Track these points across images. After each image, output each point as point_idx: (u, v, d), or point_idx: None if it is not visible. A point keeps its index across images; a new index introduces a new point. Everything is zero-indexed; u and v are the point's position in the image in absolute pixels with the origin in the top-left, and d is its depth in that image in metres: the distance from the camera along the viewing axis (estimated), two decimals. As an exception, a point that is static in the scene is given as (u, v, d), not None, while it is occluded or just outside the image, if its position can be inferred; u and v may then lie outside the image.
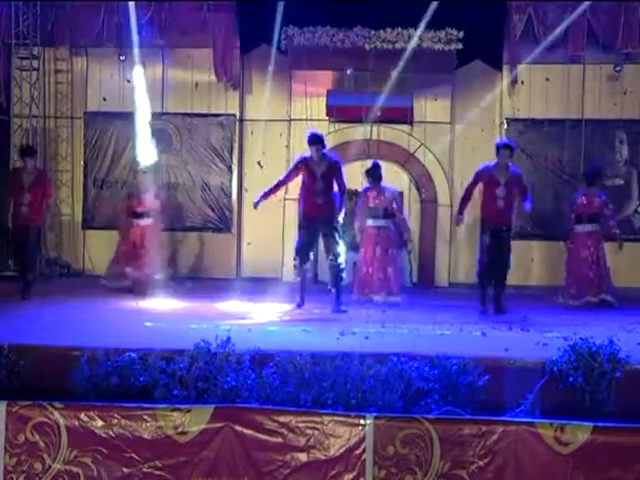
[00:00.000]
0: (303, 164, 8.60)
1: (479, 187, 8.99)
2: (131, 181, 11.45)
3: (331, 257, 8.57)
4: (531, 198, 8.98)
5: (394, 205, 9.94)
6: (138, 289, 9.73)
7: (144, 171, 10.52)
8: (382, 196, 9.83)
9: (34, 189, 9.16)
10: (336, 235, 8.57)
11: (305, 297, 8.68)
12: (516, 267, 10.24)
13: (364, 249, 9.94)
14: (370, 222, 9.84)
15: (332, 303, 8.56)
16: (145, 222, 10.17)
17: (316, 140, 8.53)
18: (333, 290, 8.66)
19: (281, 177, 9.04)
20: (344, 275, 8.69)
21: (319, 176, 8.46)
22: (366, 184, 10.04)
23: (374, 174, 9.81)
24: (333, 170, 8.56)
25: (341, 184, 8.62)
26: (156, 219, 10.26)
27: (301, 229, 8.91)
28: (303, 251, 8.64)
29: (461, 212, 9.12)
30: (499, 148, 8.85)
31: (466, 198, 9.11)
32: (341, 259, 8.65)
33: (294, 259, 8.83)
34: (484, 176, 8.87)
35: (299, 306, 8.60)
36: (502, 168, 8.79)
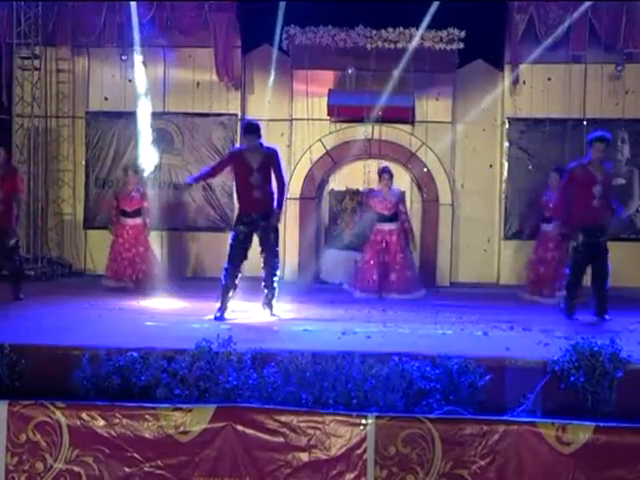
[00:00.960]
0: (238, 155, 8.01)
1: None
2: (120, 180, 11.43)
3: (267, 255, 7.92)
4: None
5: (400, 207, 10.09)
6: (138, 288, 9.91)
7: (135, 170, 10.57)
8: (390, 199, 9.97)
9: (3, 185, 8.63)
10: (272, 233, 7.93)
11: (227, 307, 7.89)
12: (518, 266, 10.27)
13: (370, 251, 10.03)
14: (378, 225, 10.00)
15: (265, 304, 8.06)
16: (134, 222, 10.24)
17: (252, 129, 7.87)
18: (266, 290, 8.03)
19: (213, 164, 8.47)
20: (278, 274, 8.10)
21: (255, 168, 7.78)
22: (377, 186, 10.19)
23: (389, 175, 9.99)
24: (270, 162, 7.90)
25: (280, 177, 8.00)
26: (145, 218, 10.30)
27: (235, 232, 7.91)
28: (237, 260, 7.86)
29: (566, 222, 8.26)
30: (592, 141, 7.91)
31: (565, 203, 8.19)
32: (277, 255, 8.07)
33: (224, 274, 7.87)
34: (578, 174, 7.97)
35: (218, 319, 7.67)
36: (597, 164, 7.93)
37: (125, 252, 10.19)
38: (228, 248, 8.01)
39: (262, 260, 8.00)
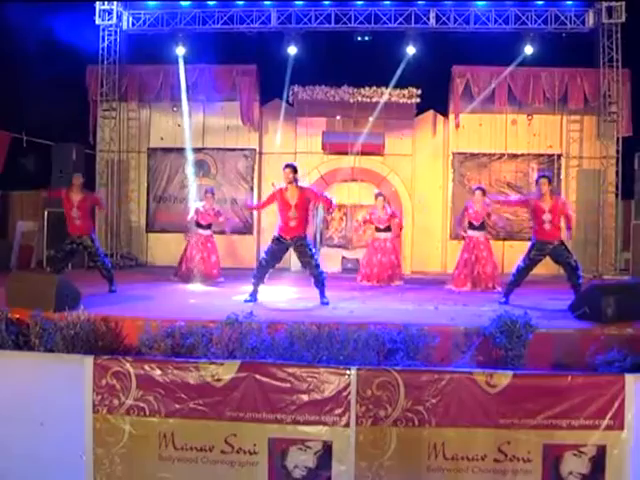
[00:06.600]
0: (278, 193, 7.22)
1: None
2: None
3: (312, 270, 7.27)
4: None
5: (396, 221, 9.79)
6: (201, 282, 9.25)
7: (212, 193, 9.85)
8: (383, 216, 9.63)
9: (83, 205, 8.05)
10: (308, 249, 7.22)
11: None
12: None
13: (369, 252, 9.74)
14: (376, 234, 9.73)
15: (319, 298, 7.35)
16: (205, 232, 9.62)
17: (287, 166, 7.23)
18: (317, 288, 7.38)
19: (263, 201, 8.04)
20: (325, 275, 7.41)
21: (293, 204, 7.11)
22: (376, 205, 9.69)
23: (383, 198, 9.72)
24: (307, 198, 7.19)
25: (323, 198, 7.33)
26: (224, 227, 9.77)
27: (270, 247, 7.29)
28: (267, 267, 7.32)
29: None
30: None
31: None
32: (319, 261, 7.35)
33: (256, 272, 7.35)
34: None
35: (248, 301, 7.23)
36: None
37: (195, 255, 9.49)
38: (263, 254, 7.40)
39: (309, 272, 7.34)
